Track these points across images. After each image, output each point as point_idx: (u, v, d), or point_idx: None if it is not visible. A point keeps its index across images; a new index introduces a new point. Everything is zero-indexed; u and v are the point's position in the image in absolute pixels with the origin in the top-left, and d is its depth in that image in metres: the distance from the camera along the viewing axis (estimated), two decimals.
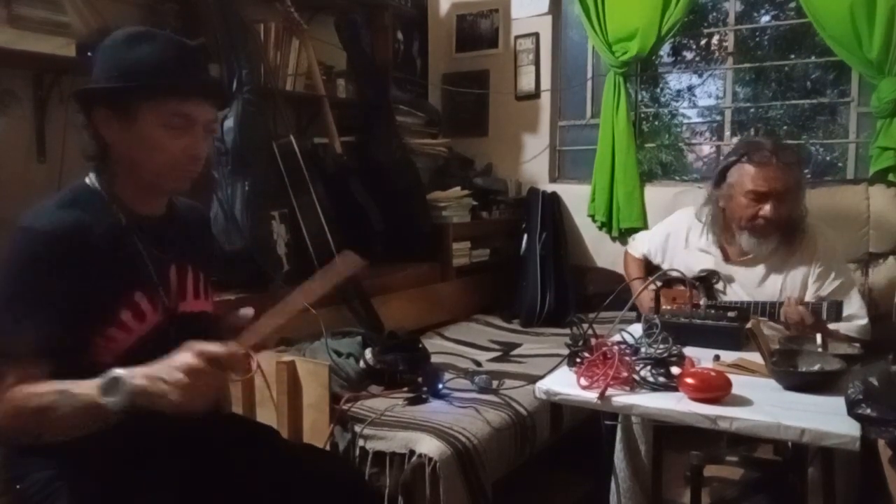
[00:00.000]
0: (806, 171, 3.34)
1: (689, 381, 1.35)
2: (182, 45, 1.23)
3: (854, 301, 1.94)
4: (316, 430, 1.88)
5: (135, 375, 1.02)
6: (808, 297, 1.90)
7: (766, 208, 1.91)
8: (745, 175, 1.94)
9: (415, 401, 1.98)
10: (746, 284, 2.03)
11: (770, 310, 1.87)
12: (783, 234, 1.97)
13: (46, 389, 1.04)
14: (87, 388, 1.03)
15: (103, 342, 1.14)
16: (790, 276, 1.98)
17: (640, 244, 2.39)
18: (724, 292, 2.04)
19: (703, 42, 4.31)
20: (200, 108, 1.21)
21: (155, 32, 1.23)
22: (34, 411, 1.04)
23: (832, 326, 1.81)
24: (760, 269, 2.02)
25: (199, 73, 1.26)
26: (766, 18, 4.09)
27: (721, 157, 2.40)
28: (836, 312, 1.75)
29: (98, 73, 1.19)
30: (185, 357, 1.04)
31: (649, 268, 2.35)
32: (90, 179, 1.22)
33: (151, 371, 1.03)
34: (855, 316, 1.92)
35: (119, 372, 1.02)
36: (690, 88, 4.60)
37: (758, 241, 1.97)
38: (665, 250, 2.25)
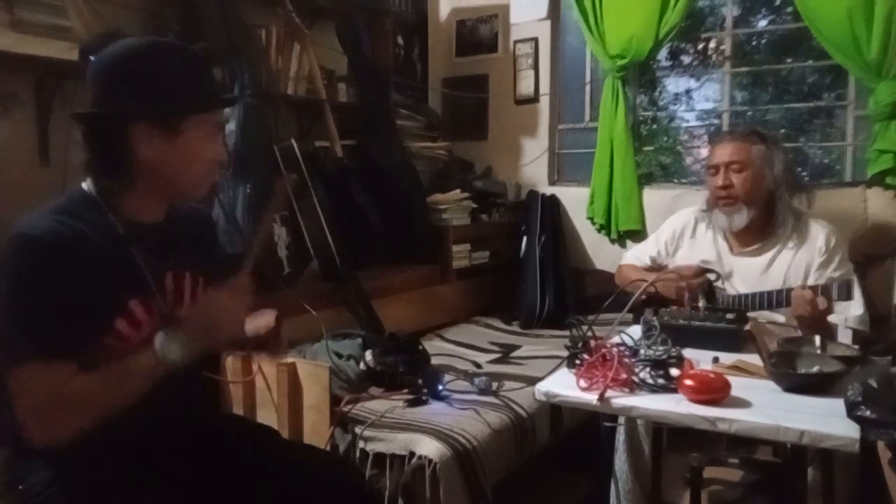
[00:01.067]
0: (804, 173, 3.36)
1: (689, 382, 1.35)
2: (198, 53, 1.26)
3: (853, 291, 1.95)
4: (316, 431, 1.89)
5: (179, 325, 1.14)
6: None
7: (720, 178, 2.05)
8: (709, 156, 2.13)
9: (415, 402, 1.98)
10: (751, 276, 2.06)
11: (777, 297, 1.90)
12: (759, 211, 2.04)
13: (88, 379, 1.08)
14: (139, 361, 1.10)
15: (99, 350, 1.13)
16: (793, 266, 2.02)
17: (648, 248, 2.36)
18: (723, 288, 2.07)
19: (700, 46, 4.32)
20: (222, 114, 1.27)
21: (171, 43, 1.26)
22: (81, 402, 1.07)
23: (835, 313, 1.84)
24: (764, 260, 2.05)
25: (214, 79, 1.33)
26: (763, 23, 4.09)
27: None
28: (847, 292, 1.78)
29: (128, 91, 1.15)
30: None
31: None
32: (87, 186, 1.20)
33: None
34: (853, 305, 1.94)
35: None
36: (688, 92, 4.60)
37: (727, 216, 2.06)
38: (676, 243, 2.27)
